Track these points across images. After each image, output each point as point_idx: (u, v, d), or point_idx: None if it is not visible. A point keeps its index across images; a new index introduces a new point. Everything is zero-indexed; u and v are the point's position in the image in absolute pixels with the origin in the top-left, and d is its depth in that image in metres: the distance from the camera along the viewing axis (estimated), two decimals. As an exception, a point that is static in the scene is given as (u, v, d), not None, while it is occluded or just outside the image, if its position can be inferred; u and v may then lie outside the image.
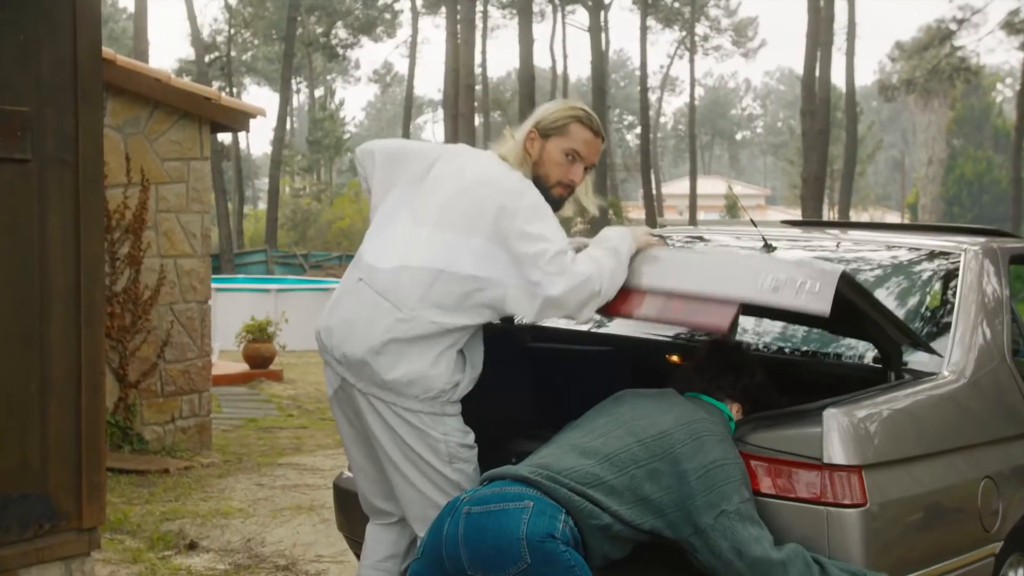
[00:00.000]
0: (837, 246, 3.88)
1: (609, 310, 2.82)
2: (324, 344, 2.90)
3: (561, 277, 2.69)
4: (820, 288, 2.45)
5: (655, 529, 2.53)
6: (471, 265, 2.77)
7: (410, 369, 2.75)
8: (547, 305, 2.73)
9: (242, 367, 11.72)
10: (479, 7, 34.49)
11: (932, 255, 3.58)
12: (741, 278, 2.59)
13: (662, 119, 64.94)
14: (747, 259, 2.66)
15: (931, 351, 3.08)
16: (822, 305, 2.45)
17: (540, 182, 2.92)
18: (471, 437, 2.87)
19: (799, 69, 29.60)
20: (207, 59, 37.72)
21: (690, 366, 3.00)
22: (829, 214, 39.47)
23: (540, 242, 2.72)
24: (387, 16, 45.20)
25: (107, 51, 5.98)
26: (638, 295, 2.77)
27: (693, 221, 40.82)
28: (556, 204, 2.96)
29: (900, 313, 3.23)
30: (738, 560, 2.47)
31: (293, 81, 48.89)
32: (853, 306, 2.69)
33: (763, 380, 2.91)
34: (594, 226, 32.98)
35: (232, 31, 43.00)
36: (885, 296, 3.38)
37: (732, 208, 46.07)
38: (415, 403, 2.77)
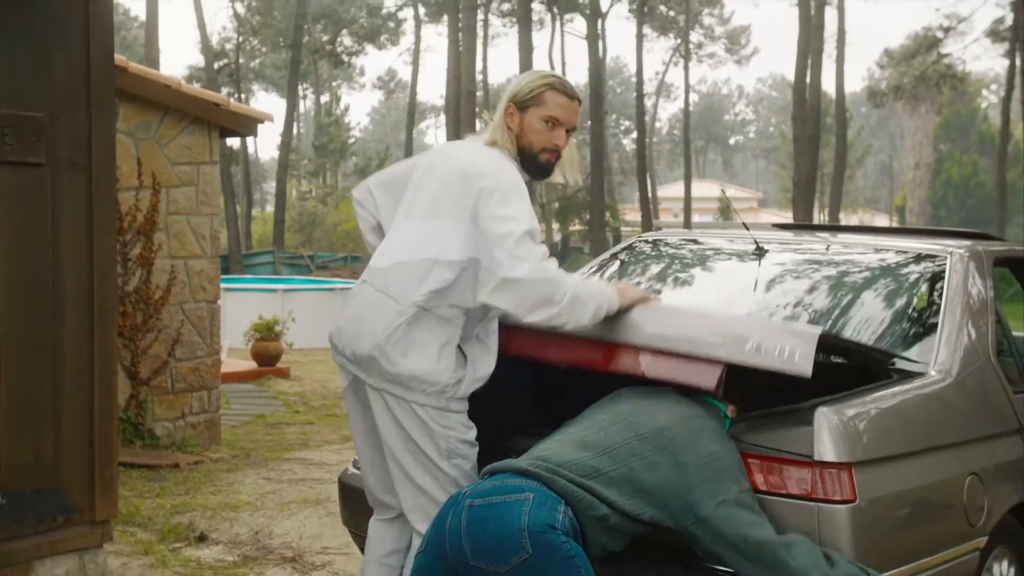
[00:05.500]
0: (827, 249, 3.87)
1: (599, 365, 2.84)
2: (335, 344, 2.93)
3: (525, 263, 2.65)
4: (800, 354, 2.56)
5: (655, 520, 2.52)
6: (458, 250, 2.78)
7: (414, 363, 2.76)
8: (501, 286, 2.68)
9: (250, 365, 11.70)
10: (480, 16, 34.45)
11: (919, 258, 3.57)
12: (727, 341, 2.66)
13: (657, 124, 64.91)
14: (733, 323, 2.77)
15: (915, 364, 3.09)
16: (803, 368, 2.55)
17: (526, 152, 2.93)
18: (472, 433, 2.87)
19: (790, 76, 29.55)
20: (216, 66, 37.66)
21: None
22: (819, 217, 39.41)
23: (508, 222, 2.70)
24: (391, 24, 45.15)
25: (119, 58, 5.97)
26: (628, 350, 2.81)
27: (688, 224, 40.79)
28: (546, 170, 2.98)
29: (887, 315, 3.23)
30: (743, 544, 2.46)
31: (300, 87, 48.91)
32: (836, 356, 2.84)
33: (759, 383, 2.91)
34: (591, 227, 32.95)
35: (240, 39, 42.92)
36: (873, 298, 3.38)
37: (725, 211, 45.95)
38: (422, 396, 2.78)
